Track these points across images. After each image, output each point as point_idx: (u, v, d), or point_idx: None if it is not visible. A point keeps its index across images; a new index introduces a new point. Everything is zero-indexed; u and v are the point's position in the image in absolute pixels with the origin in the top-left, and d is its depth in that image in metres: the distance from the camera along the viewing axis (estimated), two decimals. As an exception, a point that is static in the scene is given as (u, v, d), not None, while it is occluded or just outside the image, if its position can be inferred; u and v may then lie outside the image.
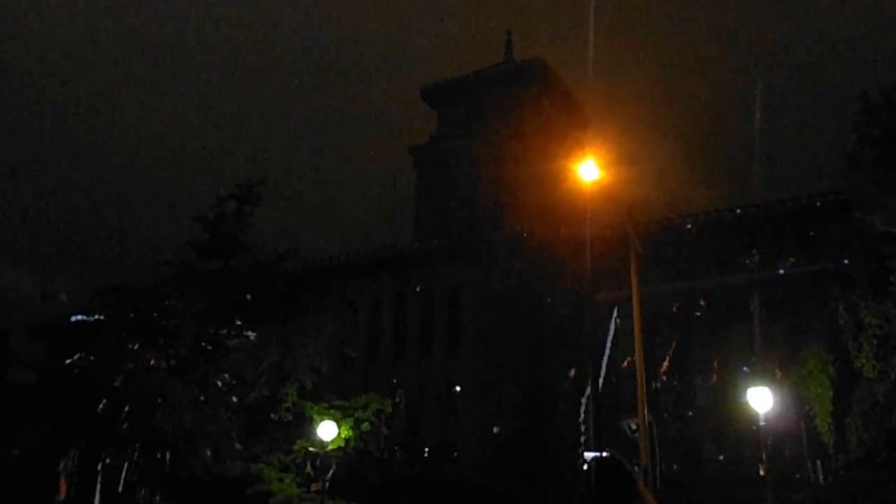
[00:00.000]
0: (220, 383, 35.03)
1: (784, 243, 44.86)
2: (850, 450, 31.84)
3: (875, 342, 28.99)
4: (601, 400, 46.40)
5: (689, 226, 47.57)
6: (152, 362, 33.37)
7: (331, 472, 31.39)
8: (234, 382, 35.44)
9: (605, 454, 5.44)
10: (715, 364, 44.52)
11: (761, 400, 24.27)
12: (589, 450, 40.84)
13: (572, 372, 47.49)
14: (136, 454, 34.51)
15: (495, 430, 47.42)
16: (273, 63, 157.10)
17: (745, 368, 43.24)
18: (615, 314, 47.43)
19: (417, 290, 52.84)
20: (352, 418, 46.70)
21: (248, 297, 37.47)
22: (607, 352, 47.22)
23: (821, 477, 39.13)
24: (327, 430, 32.44)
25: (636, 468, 18.65)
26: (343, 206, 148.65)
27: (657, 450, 36.90)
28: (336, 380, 53.01)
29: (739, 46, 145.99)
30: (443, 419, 49.06)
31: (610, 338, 47.38)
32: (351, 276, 54.71)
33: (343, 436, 43.95)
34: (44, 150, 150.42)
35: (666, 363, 45.66)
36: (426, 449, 48.32)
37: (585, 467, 5.08)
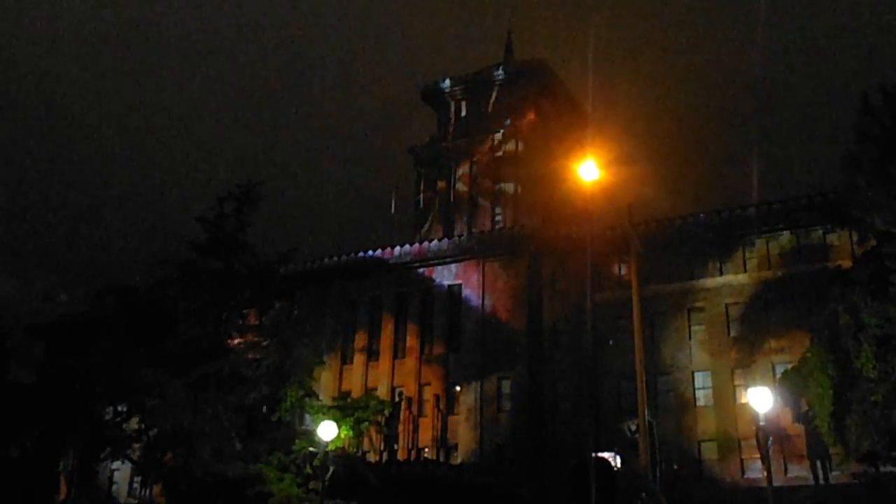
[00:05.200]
0: (219, 383, 35.01)
1: (784, 243, 44.85)
2: (850, 450, 31.81)
3: (875, 342, 28.97)
4: (601, 400, 46.43)
5: (689, 225, 47.53)
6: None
7: (330, 472, 31.36)
8: (234, 382, 35.40)
9: (606, 455, 5.43)
10: (716, 364, 44.47)
11: (761, 400, 24.24)
12: (599, 450, 40.86)
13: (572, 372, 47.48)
14: (136, 454, 34.52)
15: (495, 431, 47.40)
16: (273, 63, 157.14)
17: (745, 368, 43.24)
18: (615, 314, 47.43)
19: (417, 290, 52.83)
20: (352, 418, 46.84)
21: (248, 297, 37.47)
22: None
23: (821, 477, 39.15)
24: (327, 430, 32.42)
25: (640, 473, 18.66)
26: (343, 206, 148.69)
27: (657, 449, 36.82)
28: (336, 379, 53.09)
29: (739, 46, 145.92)
30: (443, 419, 49.04)
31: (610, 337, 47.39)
32: (351, 276, 54.69)
33: (343, 436, 44.06)
34: (43, 150, 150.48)
35: (666, 363, 45.60)
36: (426, 449, 48.32)
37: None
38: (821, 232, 43.58)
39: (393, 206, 62.55)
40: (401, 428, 49.37)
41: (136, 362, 32.68)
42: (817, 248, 43.82)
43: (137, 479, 50.61)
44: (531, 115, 60.90)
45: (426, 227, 60.30)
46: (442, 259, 52.63)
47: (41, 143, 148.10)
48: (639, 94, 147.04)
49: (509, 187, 59.00)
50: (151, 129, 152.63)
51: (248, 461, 33.74)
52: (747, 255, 45.67)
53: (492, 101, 62.60)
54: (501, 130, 60.72)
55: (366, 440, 48.21)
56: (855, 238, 35.19)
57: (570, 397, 47.19)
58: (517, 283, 49.87)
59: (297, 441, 36.85)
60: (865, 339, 29.29)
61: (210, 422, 32.88)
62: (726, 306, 45.12)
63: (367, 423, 47.88)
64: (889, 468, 29.92)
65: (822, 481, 38.88)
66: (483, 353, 49.04)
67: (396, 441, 48.84)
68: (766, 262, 44.87)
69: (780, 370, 40.13)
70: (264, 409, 41.01)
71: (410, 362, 51.43)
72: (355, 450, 46.46)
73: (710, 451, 43.08)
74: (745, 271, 45.31)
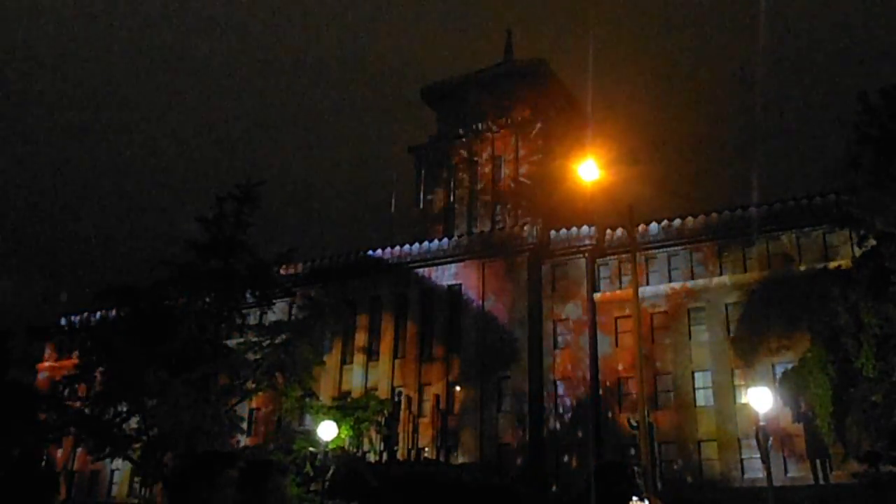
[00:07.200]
0: (219, 383, 34.99)
1: (784, 243, 44.83)
2: (850, 450, 31.84)
3: (875, 342, 28.98)
4: (601, 399, 46.45)
5: (689, 226, 47.52)
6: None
7: (331, 472, 31.36)
8: (234, 382, 35.40)
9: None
10: (715, 363, 44.45)
11: (761, 400, 24.26)
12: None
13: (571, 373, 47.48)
14: (136, 454, 34.49)
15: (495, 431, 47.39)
16: (273, 63, 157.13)
17: (745, 368, 43.23)
18: (615, 313, 47.45)
19: (417, 290, 52.81)
20: (352, 418, 46.82)
21: (248, 297, 37.46)
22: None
23: (821, 477, 39.16)
24: (327, 430, 32.43)
25: (636, 469, 18.66)
26: (343, 206, 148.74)
27: (657, 450, 36.89)
28: (336, 379, 53.08)
29: (740, 46, 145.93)
30: (443, 419, 49.02)
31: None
32: (351, 276, 54.69)
33: (343, 436, 44.06)
34: (43, 150, 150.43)
35: (666, 363, 45.59)
36: (426, 449, 48.29)
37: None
38: (821, 232, 43.56)
39: (393, 206, 62.59)
40: (401, 428, 49.33)
41: (137, 362, 32.64)
42: (817, 248, 43.81)
43: (137, 479, 50.60)
44: (531, 115, 60.87)
45: (426, 227, 60.26)
46: (442, 259, 52.60)
47: (41, 144, 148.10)
48: (639, 93, 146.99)
49: (509, 187, 58.97)
50: (151, 129, 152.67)
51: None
52: (747, 255, 45.65)
53: (492, 100, 62.57)
54: (501, 130, 60.70)
55: (366, 440, 48.18)
56: (855, 238, 35.16)
57: (569, 397, 47.18)
58: (517, 283, 49.84)
59: (297, 441, 36.84)
60: (865, 339, 29.31)
61: (210, 422, 32.85)
62: (726, 306, 45.10)
63: (367, 423, 47.85)
64: (889, 468, 29.94)
65: (822, 481, 38.88)
66: (483, 353, 49.02)
67: (396, 441, 48.79)
68: (766, 262, 44.85)
69: (780, 370, 40.16)
70: (264, 408, 40.91)
71: (410, 362, 51.41)
72: (355, 450, 46.43)
73: (710, 451, 43.05)
74: (745, 271, 45.29)
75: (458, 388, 49.47)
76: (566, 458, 45.58)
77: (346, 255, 56.41)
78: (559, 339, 48.82)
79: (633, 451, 35.58)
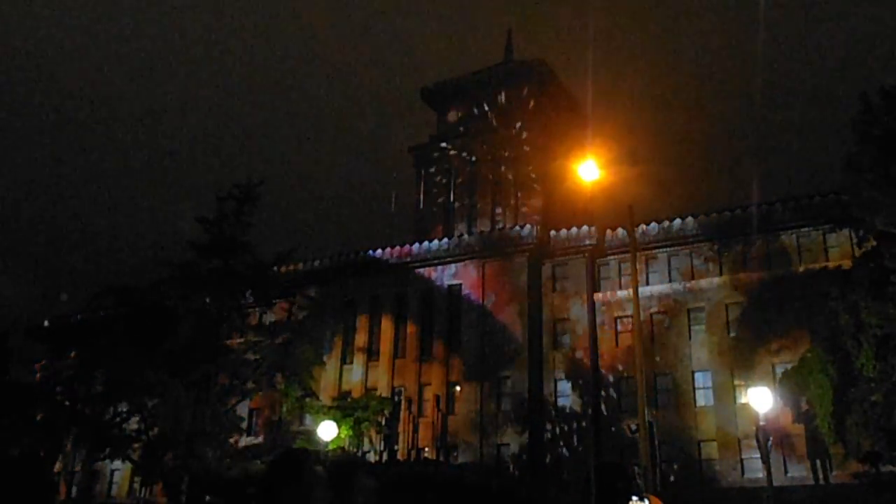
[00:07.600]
0: (219, 383, 35.03)
1: (784, 243, 44.82)
2: (850, 450, 31.85)
3: (875, 342, 29.00)
4: (601, 399, 46.45)
5: (689, 226, 47.51)
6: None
7: (331, 472, 31.29)
8: (234, 382, 35.43)
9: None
10: (715, 363, 44.44)
11: (761, 400, 24.26)
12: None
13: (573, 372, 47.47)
14: (136, 454, 34.53)
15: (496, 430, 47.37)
16: (273, 63, 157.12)
17: (745, 368, 43.21)
18: (615, 313, 47.46)
19: (417, 290, 52.80)
20: (352, 418, 46.82)
21: (248, 297, 37.51)
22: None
23: (821, 477, 39.16)
24: (327, 430, 32.44)
25: (636, 469, 18.64)
26: (343, 206, 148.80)
27: (657, 450, 36.81)
28: (336, 379, 53.07)
29: (740, 46, 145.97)
30: (443, 419, 49.00)
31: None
32: (350, 276, 54.67)
33: (343, 436, 44.07)
34: (44, 151, 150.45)
35: (666, 363, 45.57)
36: (426, 449, 48.27)
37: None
38: (821, 232, 43.54)
39: (393, 205, 62.61)
40: (401, 428, 49.31)
41: (137, 362, 32.69)
42: (817, 248, 43.79)
43: (137, 479, 50.60)
44: (531, 115, 60.86)
45: (426, 227, 60.25)
46: (442, 259, 52.59)
47: (41, 145, 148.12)
48: (639, 93, 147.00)
49: (509, 187, 58.94)
50: (151, 129, 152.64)
51: (248, 461, 33.75)
52: (747, 255, 45.63)
53: (492, 101, 62.57)
54: (501, 130, 60.69)
55: (366, 440, 48.18)
56: (855, 238, 35.17)
57: (569, 397, 47.17)
58: (517, 283, 49.83)
59: (297, 441, 36.87)
60: (865, 339, 29.33)
61: (210, 422, 32.90)
62: (726, 306, 45.07)
63: (367, 423, 47.84)
64: (889, 468, 29.96)
65: (822, 481, 38.89)
66: (483, 352, 49.00)
67: (396, 441, 48.78)
68: (766, 262, 44.83)
69: (780, 370, 40.14)
70: (264, 408, 40.73)
71: (410, 362, 51.38)
72: (355, 450, 46.42)
73: (710, 451, 43.03)
74: (745, 271, 45.27)
75: (458, 388, 49.45)
76: (566, 459, 45.56)
77: (346, 255, 56.38)
78: (559, 339, 48.79)
79: (634, 455, 35.54)
